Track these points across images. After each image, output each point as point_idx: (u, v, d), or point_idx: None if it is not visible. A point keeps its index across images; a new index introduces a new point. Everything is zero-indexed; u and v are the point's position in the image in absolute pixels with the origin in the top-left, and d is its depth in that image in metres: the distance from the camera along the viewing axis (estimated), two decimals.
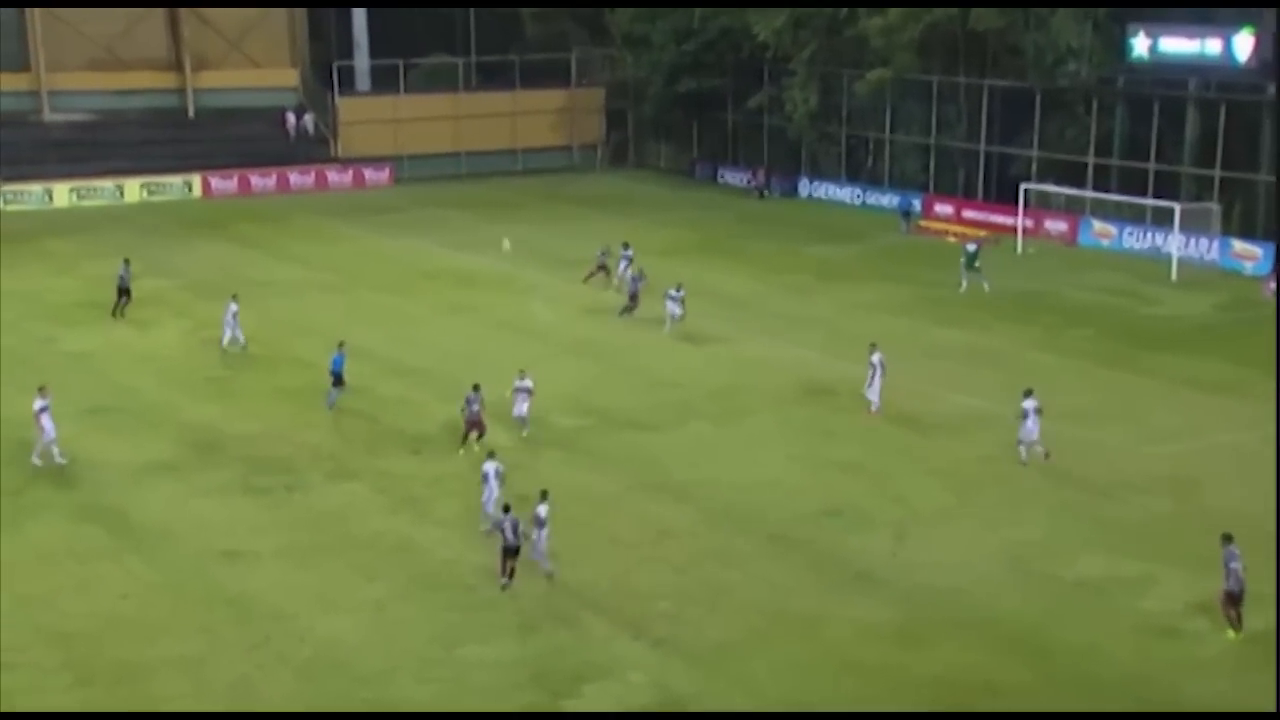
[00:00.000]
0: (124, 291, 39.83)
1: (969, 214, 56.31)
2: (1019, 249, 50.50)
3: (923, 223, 56.33)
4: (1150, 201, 49.73)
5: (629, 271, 42.59)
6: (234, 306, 36.52)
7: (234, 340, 36.23)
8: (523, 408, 30.01)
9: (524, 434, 29.85)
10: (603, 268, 44.60)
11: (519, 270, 47.57)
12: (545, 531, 23.10)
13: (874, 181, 61.54)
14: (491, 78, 72.55)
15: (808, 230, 55.39)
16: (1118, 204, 51.38)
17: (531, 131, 71.42)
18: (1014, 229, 51.80)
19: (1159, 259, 48.18)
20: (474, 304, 42.81)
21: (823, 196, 62.86)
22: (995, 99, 56.38)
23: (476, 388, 29.26)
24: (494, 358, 35.03)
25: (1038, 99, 54.21)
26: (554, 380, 33.35)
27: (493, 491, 24.65)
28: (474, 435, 28.99)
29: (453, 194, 64.50)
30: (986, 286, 44.04)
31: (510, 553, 22.76)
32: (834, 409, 32.32)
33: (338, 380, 32.56)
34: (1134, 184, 51.45)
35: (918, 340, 38.19)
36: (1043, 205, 53.74)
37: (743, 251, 49.15)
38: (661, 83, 67.27)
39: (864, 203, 60.91)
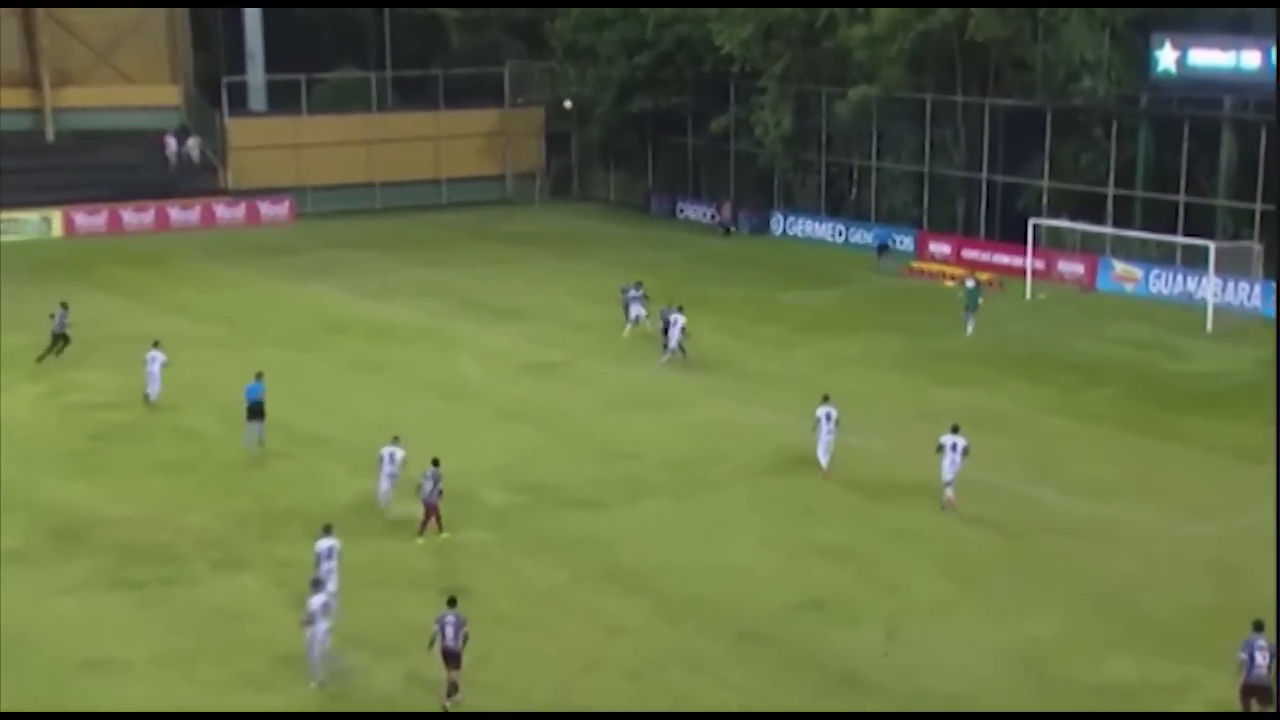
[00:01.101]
0: (60, 337, 41.04)
1: (969, 254, 56.91)
2: (1028, 294, 51.01)
3: (915, 264, 56.88)
4: (1181, 239, 50.44)
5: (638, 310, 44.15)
6: (161, 356, 37.55)
7: (156, 391, 37.45)
8: (386, 484, 29.98)
9: (386, 517, 29.77)
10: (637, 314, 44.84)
11: (444, 322, 47.55)
12: (326, 626, 22.80)
13: (859, 216, 62.11)
14: (410, 96, 73.00)
15: (782, 273, 55.69)
16: (1143, 242, 52.07)
17: (458, 158, 71.83)
18: (1022, 271, 52.36)
19: (1191, 306, 48.82)
20: (390, 361, 42.73)
21: (799, 234, 63.36)
22: (999, 120, 57.19)
23: (436, 463, 29.26)
24: (415, 424, 34.78)
25: (1048, 120, 55.02)
26: (485, 451, 33.29)
27: (327, 580, 24.32)
28: (433, 522, 29.08)
29: (365, 232, 64.56)
30: (970, 329, 45.12)
31: (451, 659, 22.47)
32: (814, 482, 32.40)
33: (255, 412, 32.45)
34: (1161, 219, 52.18)
35: (913, 401, 38.41)
36: (1055, 244, 54.38)
37: (706, 299, 49.36)
38: (610, 102, 67.84)
39: (847, 241, 61.45)
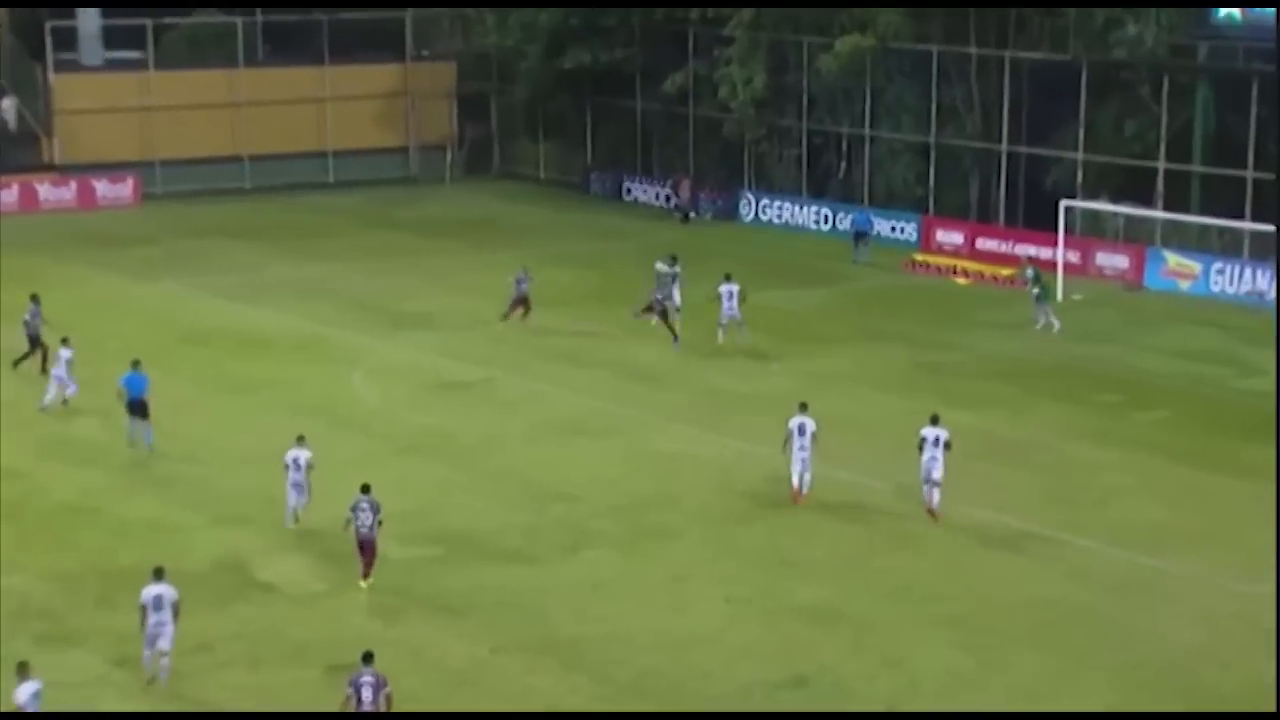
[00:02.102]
0: (35, 341, 42.37)
1: (986, 244, 57.21)
2: (1059, 295, 51.33)
3: (919, 256, 57.13)
4: (1248, 225, 50.84)
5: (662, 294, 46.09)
6: (66, 353, 39.38)
7: (57, 399, 39.35)
8: (294, 496, 32.18)
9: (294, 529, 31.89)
10: (653, 309, 46.00)
11: (332, 331, 47.47)
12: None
13: (848, 198, 62.36)
14: (288, 46, 72.73)
15: (753, 268, 55.67)
16: (1201, 229, 52.44)
17: (349, 126, 71.71)
18: (1052, 266, 52.51)
19: (1261, 308, 49.27)
20: (264, 380, 42.53)
21: (774, 220, 63.58)
22: (1022, 78, 57.55)
23: (366, 489, 29.68)
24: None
25: (1083, 78, 55.39)
26: (384, 492, 32.83)
27: (159, 637, 25.00)
28: (367, 563, 29.72)
29: (230, 218, 64.26)
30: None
31: None
32: (794, 528, 32.46)
33: (137, 409, 33.81)
34: (1224, 200, 52.54)
35: (918, 426, 38.44)
36: (1093, 232, 54.71)
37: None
38: (539, 55, 67.79)
39: (834, 228, 61.70)
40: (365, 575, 29.62)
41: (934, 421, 32.98)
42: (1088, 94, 55.35)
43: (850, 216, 59.78)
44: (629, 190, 68.92)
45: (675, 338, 45.17)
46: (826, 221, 61.98)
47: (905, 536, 32.11)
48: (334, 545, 30.38)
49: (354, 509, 29.63)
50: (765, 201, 64.16)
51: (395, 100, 72.85)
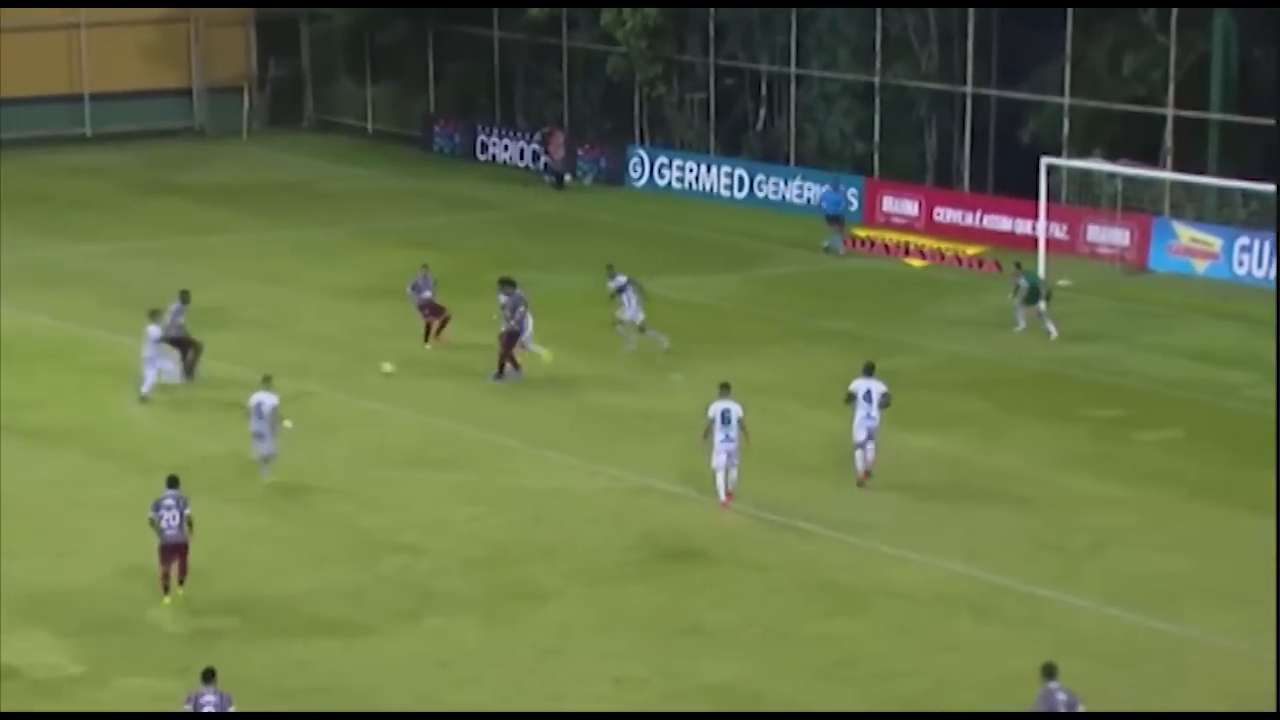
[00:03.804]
0: (183, 343, 44.05)
1: (945, 214, 57.42)
2: (1042, 279, 51.44)
3: (860, 231, 57.33)
4: None
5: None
6: (154, 331, 42.27)
7: (166, 373, 42.71)
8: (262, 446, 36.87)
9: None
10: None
11: (89, 332, 47.25)
12: None
13: (769, 156, 62.56)
14: None
15: (649, 248, 55.76)
16: (1221, 195, 52.78)
17: (111, 63, 71.35)
18: (1032, 242, 52.86)
19: None
20: None
21: (674, 186, 63.73)
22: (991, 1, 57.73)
23: (174, 483, 30.98)
24: (36, 498, 34.35)
25: None
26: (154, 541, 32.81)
27: None
28: (174, 576, 31.20)
29: None
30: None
31: None
32: (703, 586, 32.42)
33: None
34: (1250, 158, 52.94)
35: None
36: (1083, 199, 54.99)
37: (528, 289, 49.11)
38: None
39: (751, 195, 62.01)
40: (180, 581, 31.16)
41: (867, 372, 35.08)
42: (1075, 21, 55.67)
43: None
44: (485, 147, 68.96)
45: (500, 373, 44.07)
46: (741, 186, 62.10)
47: (845, 595, 32.03)
48: (94, 610, 30.42)
49: (157, 507, 30.94)
50: (662, 161, 64.32)
51: (174, 27, 72.49)
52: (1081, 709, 24.32)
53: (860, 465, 35.65)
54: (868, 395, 34.70)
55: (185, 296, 44.19)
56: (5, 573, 31.77)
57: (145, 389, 42.19)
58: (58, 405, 41.96)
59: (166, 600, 31.04)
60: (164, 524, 30.87)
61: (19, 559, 32.35)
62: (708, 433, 34.83)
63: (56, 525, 34.41)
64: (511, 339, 43.35)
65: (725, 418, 34.66)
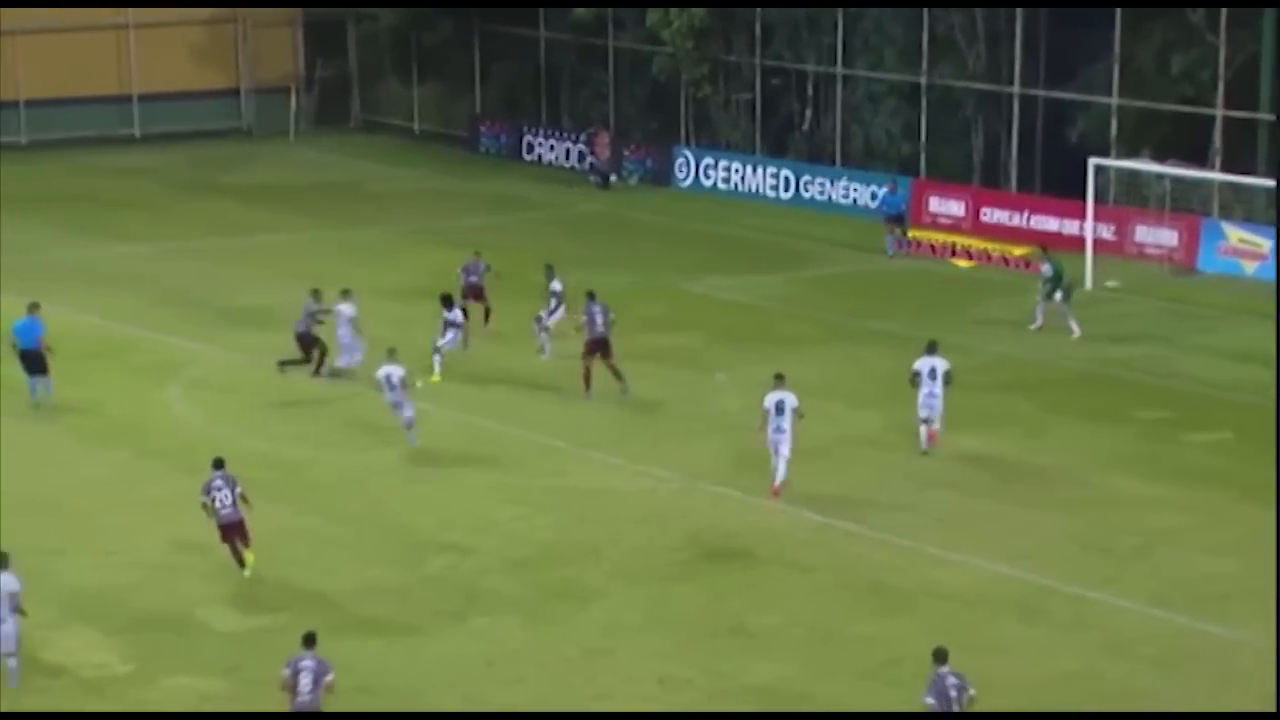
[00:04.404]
0: (310, 343, 44.16)
1: (992, 215, 57.31)
2: (1088, 281, 51.50)
3: (908, 232, 57.11)
4: None
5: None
6: (347, 310, 43.64)
7: (349, 361, 43.72)
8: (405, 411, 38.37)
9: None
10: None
11: (137, 332, 47.49)
12: None
13: (815, 157, 62.43)
14: None
15: (692, 246, 55.72)
16: (1270, 195, 52.52)
17: (160, 63, 71.39)
18: (1079, 243, 52.81)
19: None
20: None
21: (719, 186, 63.63)
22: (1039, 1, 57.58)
23: (220, 464, 32.18)
24: (85, 497, 34.50)
25: None
26: (204, 539, 32.87)
27: None
28: (240, 548, 32.10)
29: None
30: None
31: None
32: (747, 586, 32.38)
33: (33, 365, 36.87)
34: None
35: (905, 455, 38.55)
36: (1131, 199, 54.80)
37: (571, 289, 49.12)
38: None
39: (797, 196, 61.85)
40: (241, 562, 32.12)
41: (930, 350, 35.75)
42: (1123, 21, 55.51)
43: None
44: (530, 147, 68.86)
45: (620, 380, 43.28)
46: (787, 187, 61.99)
47: (890, 596, 31.98)
48: (141, 609, 30.47)
49: (208, 489, 31.72)
50: (707, 161, 64.19)
51: (221, 28, 72.51)
52: (972, 694, 24.63)
53: (922, 442, 37.02)
54: (932, 373, 35.46)
55: (317, 295, 44.31)
56: (53, 571, 31.80)
57: (343, 362, 43.70)
58: (106, 405, 42.05)
59: (246, 571, 32.06)
60: (218, 504, 31.53)
61: (67, 558, 32.53)
62: (763, 423, 35.17)
63: (104, 524, 34.58)
64: (602, 346, 42.56)
65: (780, 408, 35.00)
